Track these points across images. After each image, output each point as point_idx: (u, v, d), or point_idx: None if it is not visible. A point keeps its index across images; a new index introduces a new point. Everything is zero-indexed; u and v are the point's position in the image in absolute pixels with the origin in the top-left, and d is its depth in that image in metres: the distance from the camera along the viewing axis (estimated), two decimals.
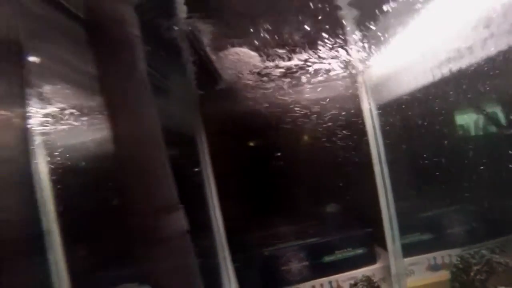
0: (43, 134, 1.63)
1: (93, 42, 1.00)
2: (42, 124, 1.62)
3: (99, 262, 2.11)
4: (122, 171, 0.99)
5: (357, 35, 2.24)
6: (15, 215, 0.86)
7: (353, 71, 2.64)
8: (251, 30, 1.83)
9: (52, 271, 1.54)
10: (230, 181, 2.78)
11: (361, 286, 2.66)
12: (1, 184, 0.84)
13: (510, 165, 2.49)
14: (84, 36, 1.01)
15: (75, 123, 1.77)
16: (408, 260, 2.75)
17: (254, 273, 2.77)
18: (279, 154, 3.16)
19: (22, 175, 0.93)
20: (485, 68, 1.91)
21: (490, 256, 2.37)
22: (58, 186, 1.66)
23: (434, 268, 2.81)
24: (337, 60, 2.44)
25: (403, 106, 2.85)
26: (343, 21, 2.09)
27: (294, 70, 2.39)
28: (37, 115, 1.56)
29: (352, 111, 2.80)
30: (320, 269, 2.79)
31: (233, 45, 2.01)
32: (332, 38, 2.17)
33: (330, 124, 2.91)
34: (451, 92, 2.64)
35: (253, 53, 2.07)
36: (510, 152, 2.68)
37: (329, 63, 2.48)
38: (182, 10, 1.60)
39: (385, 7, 1.89)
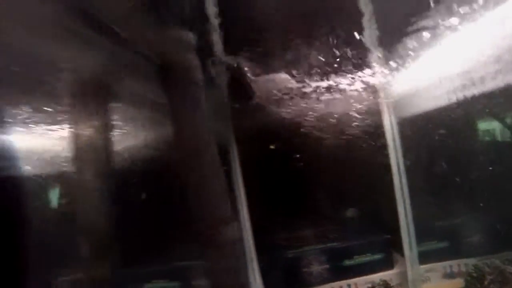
0: None
1: (165, 82, 1.21)
2: None
3: None
4: (192, 189, 1.20)
5: (380, 55, 2.40)
6: None
7: (375, 88, 2.80)
8: (286, 57, 2.02)
9: None
10: (259, 189, 2.96)
11: None
12: None
13: None
14: (156, 76, 1.22)
15: None
16: (424, 267, 2.83)
17: (278, 274, 2.89)
18: (304, 163, 3.32)
19: None
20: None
21: (504, 267, 2.45)
22: None
23: (449, 276, 2.89)
24: (361, 78, 2.62)
25: (423, 116, 2.96)
26: (367, 44, 2.26)
27: (323, 88, 2.57)
28: None
29: (374, 123, 2.95)
30: (340, 273, 2.90)
31: (267, 72, 2.21)
32: (355, 59, 2.34)
33: (352, 135, 3.06)
34: (470, 102, 2.65)
35: (285, 76, 2.26)
36: None
37: (353, 80, 2.66)
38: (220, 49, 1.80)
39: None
